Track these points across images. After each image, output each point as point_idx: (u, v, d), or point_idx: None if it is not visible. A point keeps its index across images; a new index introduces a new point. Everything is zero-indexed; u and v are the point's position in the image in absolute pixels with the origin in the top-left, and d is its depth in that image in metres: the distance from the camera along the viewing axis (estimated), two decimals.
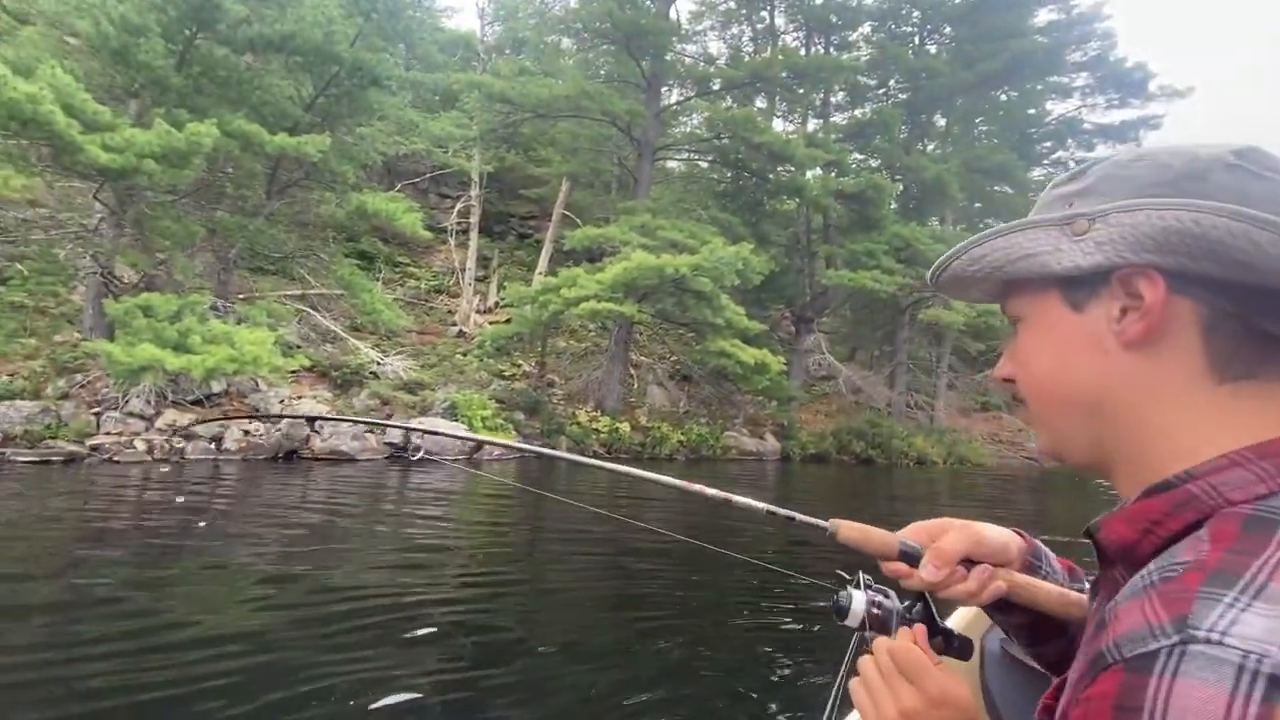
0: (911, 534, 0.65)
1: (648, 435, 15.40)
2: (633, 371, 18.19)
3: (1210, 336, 0.43)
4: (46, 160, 7.30)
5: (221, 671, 3.39)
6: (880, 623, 0.63)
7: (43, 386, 9.72)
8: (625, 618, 4.79)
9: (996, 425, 26.47)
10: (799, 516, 0.71)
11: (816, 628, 4.49)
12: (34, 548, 5.32)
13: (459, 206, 19.19)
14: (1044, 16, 24.06)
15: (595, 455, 14.40)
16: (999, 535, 0.65)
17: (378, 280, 18.22)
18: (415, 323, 17.31)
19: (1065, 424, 0.49)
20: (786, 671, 3.88)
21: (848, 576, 0.67)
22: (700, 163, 25.32)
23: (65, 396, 9.86)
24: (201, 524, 6.32)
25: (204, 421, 9.09)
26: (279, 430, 10.96)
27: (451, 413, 12.76)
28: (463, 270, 19.10)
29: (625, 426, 15.01)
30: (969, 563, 0.62)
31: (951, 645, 0.64)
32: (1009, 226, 0.49)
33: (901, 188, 20.97)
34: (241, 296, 10.06)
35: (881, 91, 24.93)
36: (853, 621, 0.64)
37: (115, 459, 9.06)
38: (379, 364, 12.00)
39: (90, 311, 8.72)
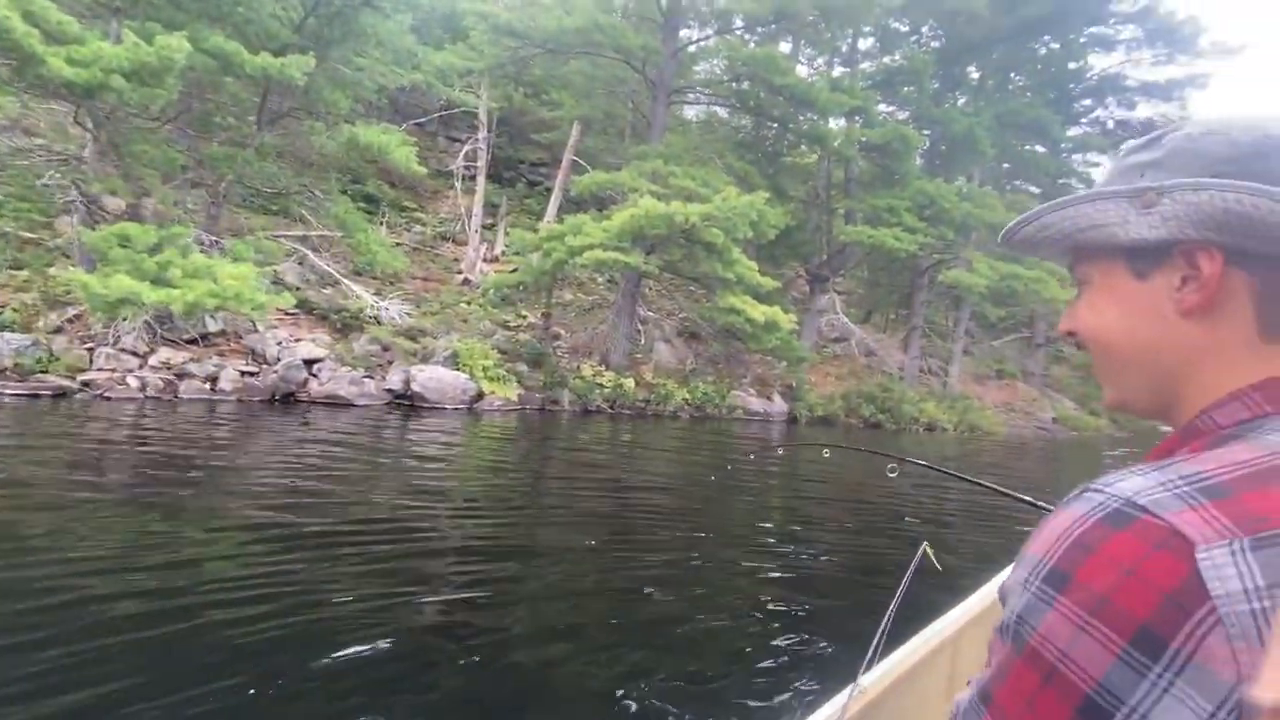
0: None
1: (653, 392, 15.12)
2: (640, 327, 17.79)
3: (1262, 304, 0.47)
4: (12, 77, 6.85)
5: (219, 617, 3.19)
6: None
7: (34, 320, 9.51)
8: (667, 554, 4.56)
9: (1011, 394, 25.95)
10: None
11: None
12: (13, 480, 5.15)
13: (465, 149, 18.50)
14: None
15: (599, 410, 14.19)
16: None
17: (382, 225, 17.80)
18: (419, 269, 16.93)
19: (1127, 379, 0.54)
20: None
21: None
22: (719, 110, 24.27)
23: (58, 331, 9.66)
24: (196, 463, 6.14)
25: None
26: (275, 372, 10.76)
27: (453, 362, 12.50)
28: (469, 217, 18.56)
29: (630, 382, 14.71)
30: None
31: None
32: (1080, 197, 0.53)
33: (929, 142, 19.94)
34: (232, 234, 9.68)
35: (914, 39, 23.57)
36: None
37: (106, 395, 8.90)
38: (377, 309, 11.68)
39: (79, 243, 8.41)
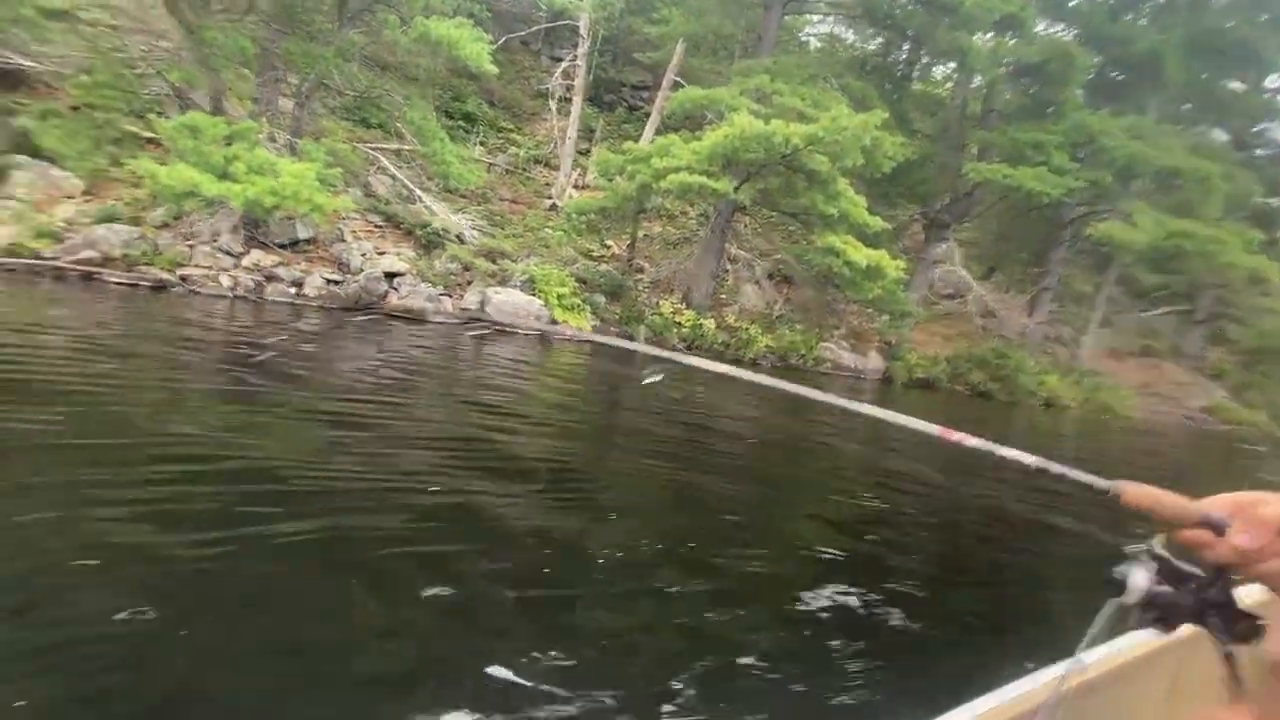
0: (1215, 502, 0.63)
1: (734, 335, 14.22)
2: (729, 266, 16.72)
3: None
4: None
5: (280, 514, 3.02)
6: (1173, 604, 0.60)
7: (144, 215, 10.03)
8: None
9: (1155, 374, 22.58)
10: (1070, 474, 0.67)
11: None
12: (127, 364, 5.31)
13: (563, 66, 17.65)
14: None
15: (674, 349, 13.53)
16: None
17: (477, 144, 17.57)
18: (509, 191, 16.64)
19: None
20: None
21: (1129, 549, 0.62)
22: (845, 33, 21.68)
23: (164, 226, 10.16)
24: (264, 356, 6.16)
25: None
26: (358, 282, 10.91)
27: (529, 286, 12.20)
28: (563, 140, 17.91)
29: (710, 324, 13.88)
30: None
31: (1253, 630, 0.61)
32: None
33: (1097, 66, 16.66)
34: (314, 137, 9.63)
35: None
36: (1134, 598, 0.61)
37: (199, 290, 9.30)
38: (460, 227, 11.47)
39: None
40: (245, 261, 10.25)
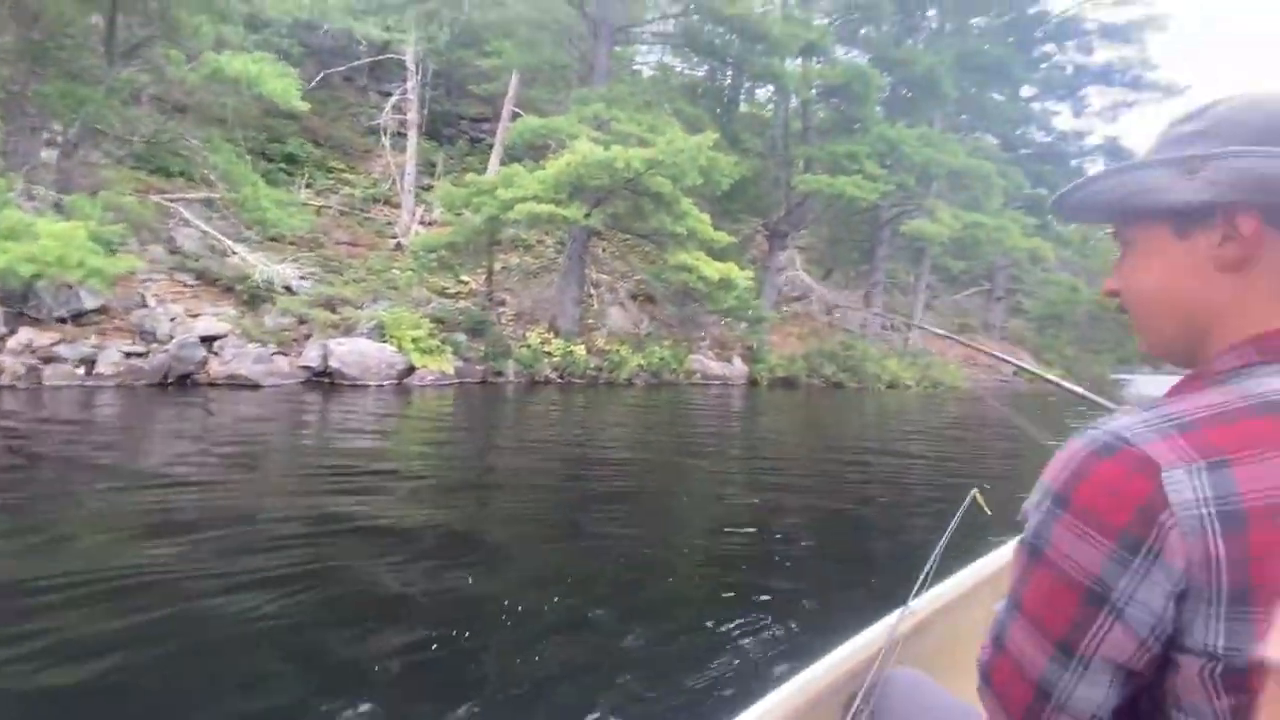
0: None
1: (605, 359, 14.21)
2: (592, 291, 16.76)
3: None
4: None
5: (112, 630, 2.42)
6: None
7: None
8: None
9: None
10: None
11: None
12: None
13: (393, 100, 16.84)
14: None
15: (547, 381, 13.21)
16: None
17: (308, 186, 16.22)
18: (346, 234, 15.49)
19: (1166, 330, 0.61)
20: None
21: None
22: (673, 63, 22.83)
23: None
24: (64, 455, 4.99)
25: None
26: (167, 351, 9.48)
27: (378, 333, 11.33)
28: (401, 176, 17.05)
29: (580, 350, 13.75)
30: None
31: None
32: (1129, 165, 0.59)
33: (889, 88, 18.99)
34: (91, 191, 8.22)
35: None
36: None
37: None
38: (286, 278, 10.40)
39: None
40: (12, 343, 8.52)
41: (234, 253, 9.78)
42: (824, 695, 1.18)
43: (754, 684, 2.24)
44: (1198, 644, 0.49)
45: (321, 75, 17.25)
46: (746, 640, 2.62)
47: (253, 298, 11.09)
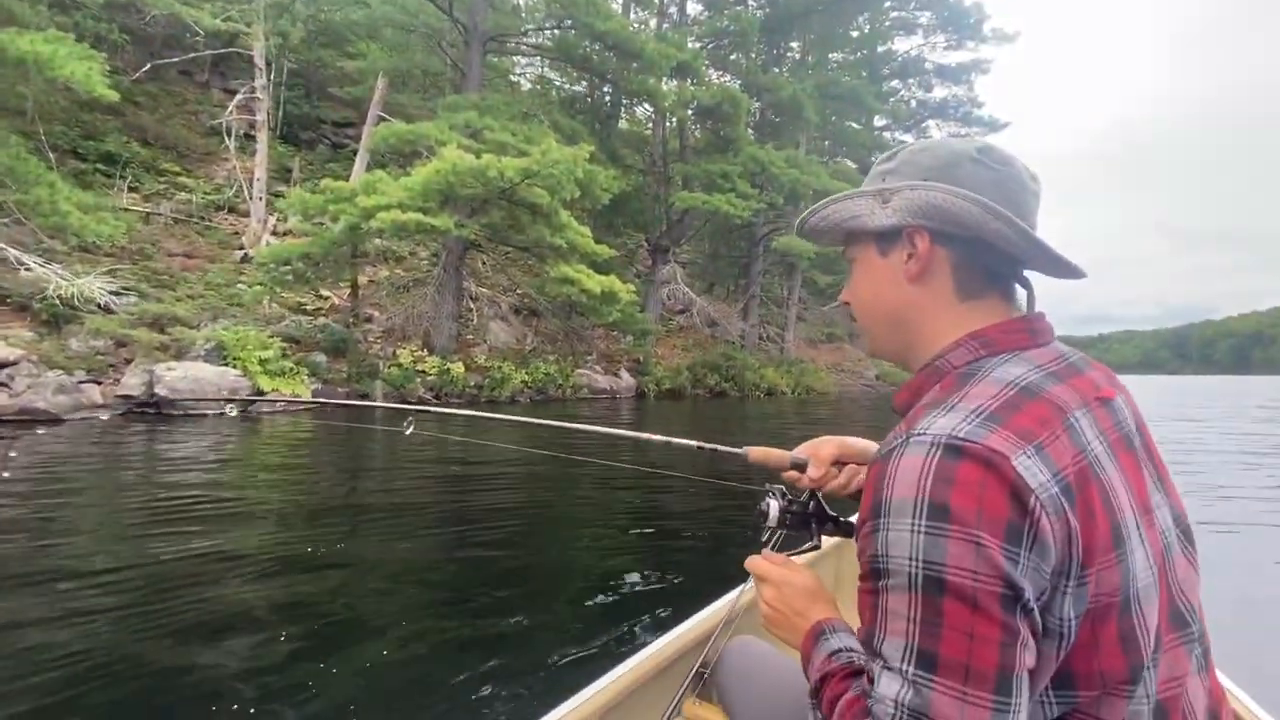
0: (800, 449, 0.94)
1: (486, 376, 13.58)
2: (471, 305, 16.04)
3: (957, 272, 0.64)
4: None
5: None
6: (795, 518, 0.88)
7: None
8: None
9: (840, 355, 27.70)
10: (720, 448, 1.05)
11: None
12: None
13: (237, 99, 15.23)
14: None
15: (420, 400, 12.37)
16: (862, 443, 0.92)
17: (132, 189, 14.19)
18: (180, 244, 13.71)
19: (881, 333, 0.71)
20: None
21: (767, 488, 0.90)
22: (552, 75, 22.68)
23: None
24: None
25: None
26: None
27: (218, 355, 10.04)
28: (250, 182, 15.43)
29: (459, 367, 13.05)
30: (841, 464, 0.92)
31: (840, 526, 0.91)
32: (845, 194, 0.68)
33: (758, 112, 20.07)
34: None
35: (739, 8, 23.72)
36: (773, 522, 0.87)
37: None
38: (76, 289, 8.94)
39: None
40: None
41: (23, 264, 8.23)
42: (673, 664, 1.29)
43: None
44: (1054, 621, 0.50)
45: (149, 65, 15.29)
46: (618, 619, 2.71)
47: (54, 317, 9.42)
